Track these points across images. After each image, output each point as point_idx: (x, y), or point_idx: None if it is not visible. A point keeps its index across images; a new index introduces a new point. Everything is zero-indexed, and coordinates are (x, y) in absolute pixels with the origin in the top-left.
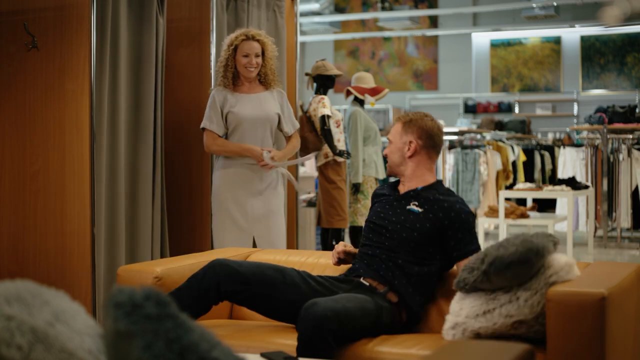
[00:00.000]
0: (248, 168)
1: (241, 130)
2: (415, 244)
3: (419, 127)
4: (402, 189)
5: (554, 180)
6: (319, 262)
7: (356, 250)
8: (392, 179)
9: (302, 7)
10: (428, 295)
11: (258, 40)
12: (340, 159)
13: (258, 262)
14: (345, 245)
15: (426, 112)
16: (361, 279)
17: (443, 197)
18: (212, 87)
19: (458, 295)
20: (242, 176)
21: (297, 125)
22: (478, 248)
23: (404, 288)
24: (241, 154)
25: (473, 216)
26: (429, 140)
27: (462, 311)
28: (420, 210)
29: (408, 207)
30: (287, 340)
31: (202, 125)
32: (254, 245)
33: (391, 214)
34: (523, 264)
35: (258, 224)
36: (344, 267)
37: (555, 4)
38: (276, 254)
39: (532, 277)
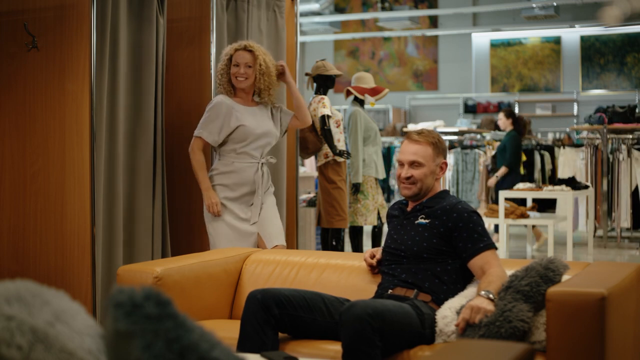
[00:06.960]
0: (241, 173)
1: (248, 143)
2: (428, 253)
3: (443, 149)
4: (411, 205)
5: (554, 180)
6: (319, 262)
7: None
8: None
9: (302, 7)
10: (462, 284)
11: (251, 52)
12: (340, 159)
13: (291, 288)
14: (372, 253)
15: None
16: (389, 292)
17: (446, 202)
18: (214, 92)
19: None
20: (236, 181)
21: (291, 112)
22: (487, 245)
23: (434, 286)
24: (201, 187)
25: (477, 215)
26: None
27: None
28: (427, 221)
29: (416, 221)
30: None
31: (196, 133)
32: (258, 244)
33: (403, 233)
34: None
35: (259, 224)
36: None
37: (555, 4)
38: (276, 254)
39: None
